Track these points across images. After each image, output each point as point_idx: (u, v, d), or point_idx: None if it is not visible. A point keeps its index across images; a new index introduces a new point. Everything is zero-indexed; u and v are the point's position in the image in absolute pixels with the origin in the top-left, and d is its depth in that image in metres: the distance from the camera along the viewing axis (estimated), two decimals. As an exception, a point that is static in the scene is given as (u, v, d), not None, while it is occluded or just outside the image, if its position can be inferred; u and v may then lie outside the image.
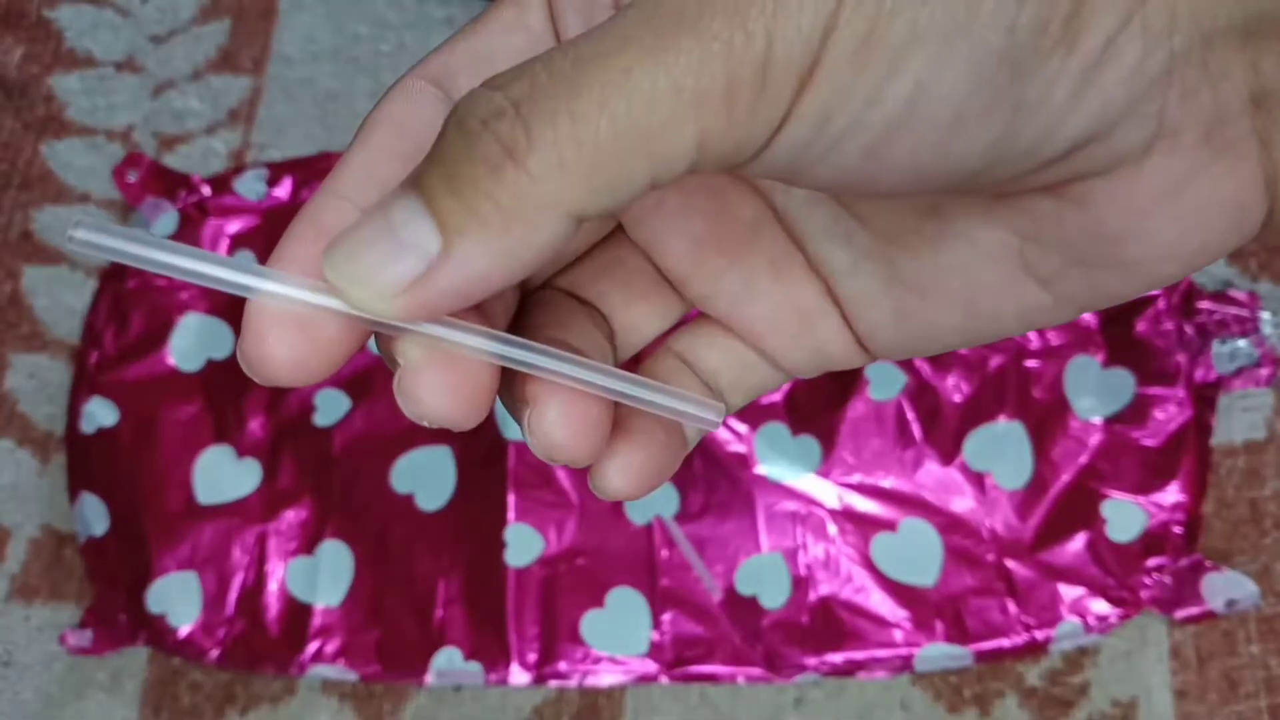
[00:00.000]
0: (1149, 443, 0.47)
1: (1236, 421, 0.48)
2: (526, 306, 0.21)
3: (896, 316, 0.20)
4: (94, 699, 0.47)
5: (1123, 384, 0.48)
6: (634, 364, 0.21)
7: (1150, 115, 0.15)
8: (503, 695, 0.47)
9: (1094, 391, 0.48)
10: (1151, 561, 0.45)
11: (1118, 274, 0.18)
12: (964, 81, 0.14)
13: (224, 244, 0.52)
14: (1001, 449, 0.48)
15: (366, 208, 0.16)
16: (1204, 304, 0.48)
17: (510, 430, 0.49)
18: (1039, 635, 0.45)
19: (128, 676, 0.48)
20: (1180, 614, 0.45)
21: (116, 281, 0.52)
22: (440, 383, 0.17)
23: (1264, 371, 0.47)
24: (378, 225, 0.15)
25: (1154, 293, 0.48)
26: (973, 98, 0.15)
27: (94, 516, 0.49)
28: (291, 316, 0.16)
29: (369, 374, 0.50)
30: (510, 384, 0.18)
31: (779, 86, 0.14)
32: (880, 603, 0.46)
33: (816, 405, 0.49)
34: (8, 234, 0.55)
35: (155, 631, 0.47)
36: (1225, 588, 0.45)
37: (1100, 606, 0.45)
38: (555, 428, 0.18)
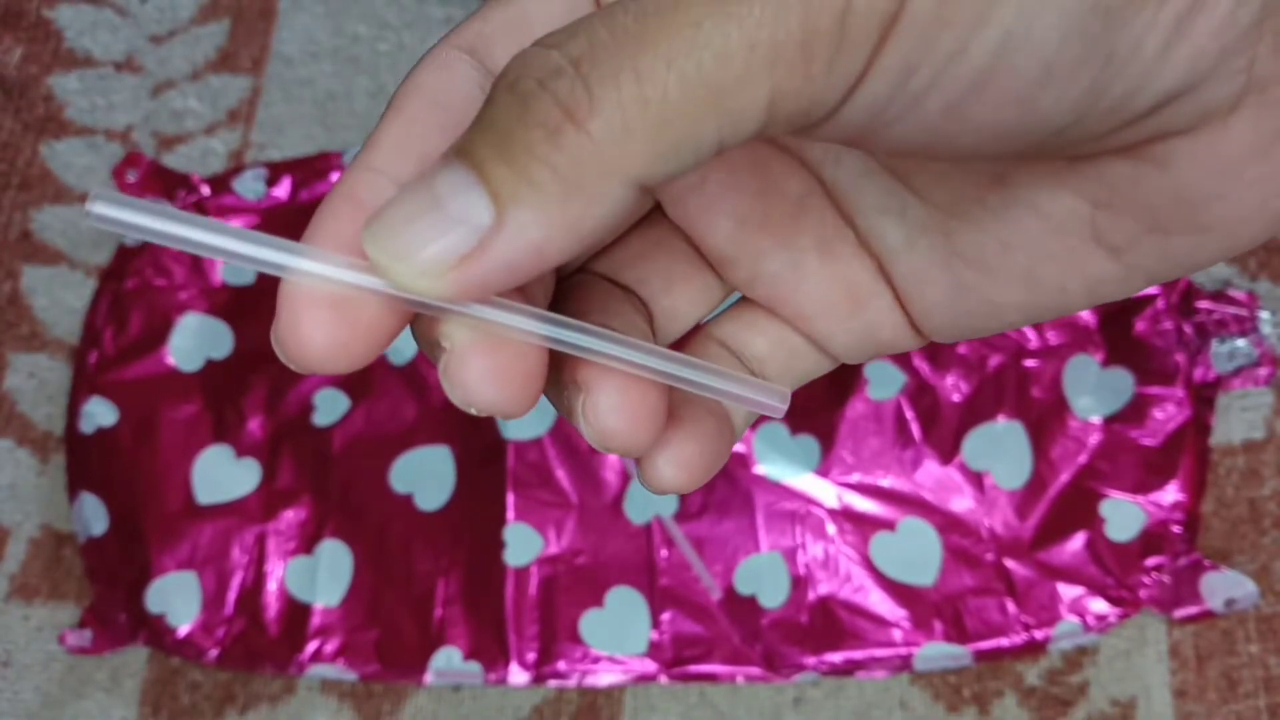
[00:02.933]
0: (1148, 442, 0.47)
1: (1235, 421, 0.48)
2: (562, 292, 0.20)
3: (954, 294, 0.19)
4: (93, 698, 0.47)
5: (1122, 383, 0.48)
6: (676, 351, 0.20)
7: (1240, 69, 0.15)
8: (502, 695, 0.47)
9: (1093, 391, 0.48)
10: (1150, 561, 0.45)
11: (1195, 239, 0.17)
12: (1054, 32, 0.14)
13: (223, 244, 0.52)
14: (1001, 448, 0.48)
15: (407, 181, 0.15)
16: (1203, 303, 0.48)
17: (510, 430, 0.49)
18: (1038, 635, 0.45)
19: (127, 676, 0.48)
20: (1179, 613, 0.45)
21: (116, 281, 0.52)
22: (490, 368, 0.16)
23: (1263, 371, 0.47)
24: (422, 198, 0.14)
25: (1153, 292, 0.48)
26: (1062, 49, 0.14)
27: (93, 516, 0.49)
28: (329, 298, 0.15)
29: (369, 374, 0.50)
30: (559, 369, 0.17)
31: (858, 39, 0.13)
32: (879, 602, 0.46)
33: (816, 405, 0.49)
34: (7, 234, 0.55)
35: (154, 631, 0.47)
36: (1224, 587, 0.45)
37: (1099, 606, 0.45)
38: (611, 415, 0.17)
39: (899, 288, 0.20)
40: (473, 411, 0.16)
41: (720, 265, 0.20)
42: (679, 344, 0.21)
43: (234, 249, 0.15)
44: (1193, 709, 0.45)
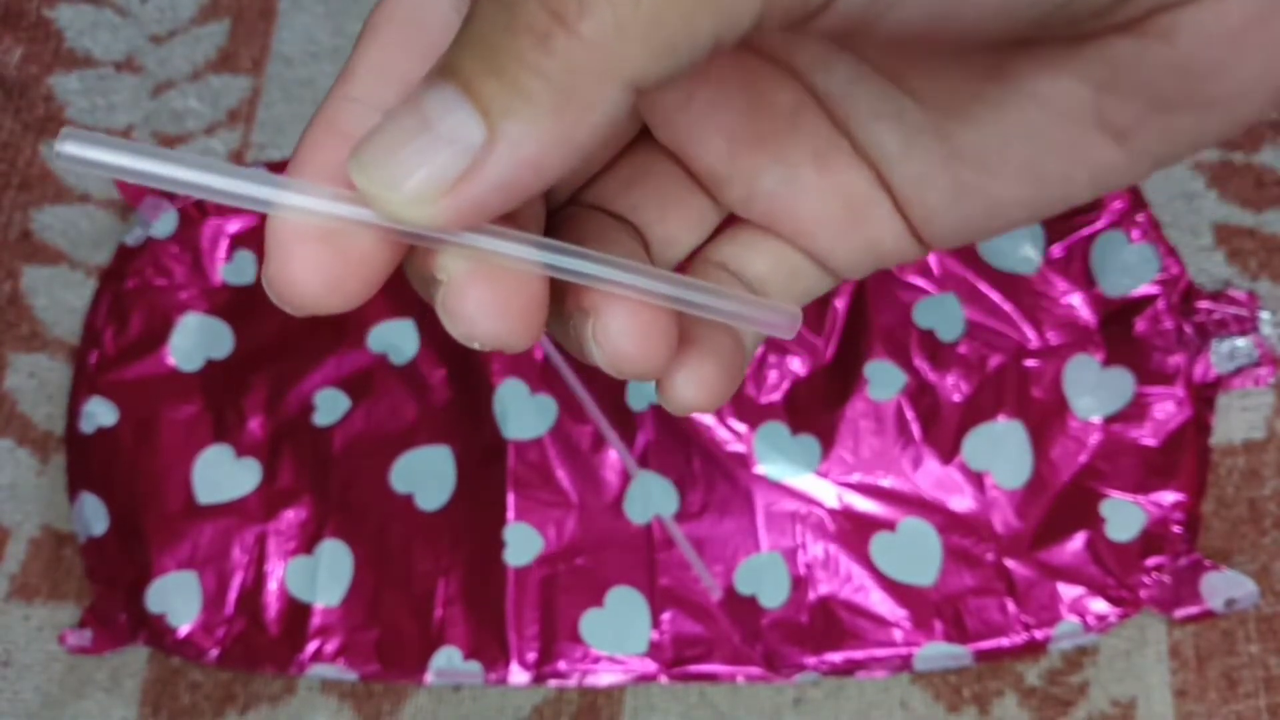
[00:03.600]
0: (1148, 442, 0.47)
1: (1236, 421, 0.48)
2: (554, 225, 0.19)
3: (955, 196, 0.18)
4: (94, 698, 0.47)
5: (1122, 383, 0.48)
6: None
7: None
8: (502, 695, 0.47)
9: (1093, 391, 0.48)
10: (1151, 561, 0.45)
11: (1198, 116, 0.16)
12: None
13: (224, 244, 0.52)
14: (1001, 448, 0.48)
15: (390, 108, 0.14)
16: (1203, 303, 0.48)
17: (510, 430, 0.49)
18: (1038, 635, 0.45)
19: (127, 676, 0.48)
20: (1179, 613, 0.45)
21: (116, 281, 0.52)
22: (489, 299, 0.15)
23: (1263, 371, 0.47)
24: (408, 120, 0.14)
25: (1153, 292, 0.48)
26: None
27: (94, 516, 0.49)
28: (319, 232, 0.15)
29: (369, 373, 0.50)
30: (560, 298, 0.17)
31: None
32: (879, 602, 0.46)
33: (816, 404, 0.49)
34: (8, 234, 0.55)
35: (155, 631, 0.47)
36: (1224, 587, 0.45)
37: (1099, 606, 0.45)
38: (623, 338, 0.16)
39: (899, 195, 0.19)
40: (475, 346, 0.15)
41: (714, 186, 0.20)
42: (678, 271, 0.20)
43: (215, 185, 0.14)
44: (1193, 709, 0.45)
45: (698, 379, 0.18)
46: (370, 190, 0.14)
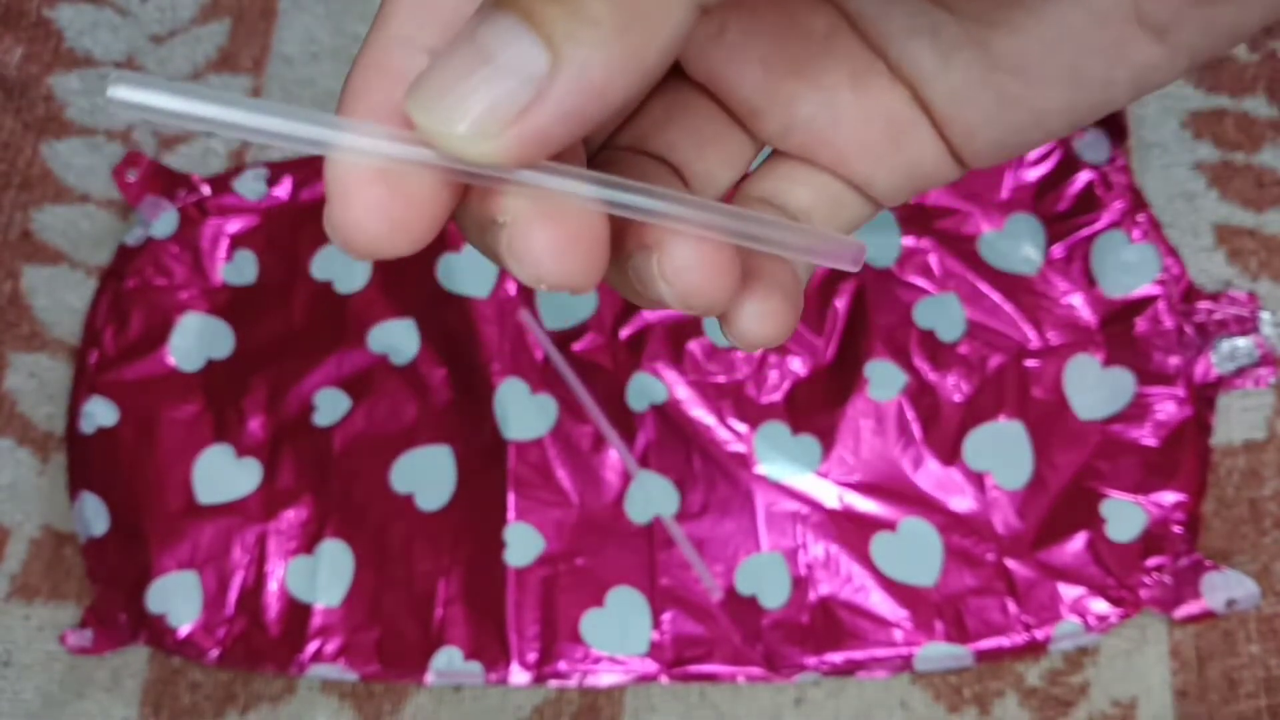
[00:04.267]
0: (1149, 442, 0.47)
1: (1236, 421, 0.48)
2: (593, 170, 0.19)
3: (996, 110, 0.18)
4: (94, 698, 0.47)
5: (1122, 384, 0.48)
6: None
7: None
8: (503, 695, 0.47)
9: (1094, 391, 0.48)
10: (1151, 561, 0.45)
11: (1240, 5, 0.16)
12: None
13: (224, 243, 0.52)
14: (1001, 448, 0.48)
15: (438, 46, 0.14)
16: (1204, 304, 0.48)
17: (510, 430, 0.49)
18: (1039, 635, 0.45)
19: (128, 676, 0.48)
20: (1180, 613, 0.45)
21: (116, 281, 0.52)
22: (557, 239, 0.15)
23: (1264, 371, 0.47)
24: (466, 54, 0.13)
25: (1154, 292, 0.48)
26: None
27: (94, 516, 0.49)
28: (380, 173, 0.14)
29: (369, 373, 0.50)
30: (621, 233, 0.16)
31: None
32: (880, 602, 0.46)
33: (816, 404, 0.49)
34: (8, 234, 0.55)
35: (155, 631, 0.47)
36: (1225, 587, 0.45)
37: (1100, 606, 0.45)
38: (690, 271, 0.16)
39: (938, 114, 0.19)
40: (542, 288, 0.15)
41: (750, 118, 0.20)
42: None
43: (269, 127, 0.14)
44: (1194, 710, 0.45)
45: (764, 312, 0.17)
46: (430, 128, 0.13)
